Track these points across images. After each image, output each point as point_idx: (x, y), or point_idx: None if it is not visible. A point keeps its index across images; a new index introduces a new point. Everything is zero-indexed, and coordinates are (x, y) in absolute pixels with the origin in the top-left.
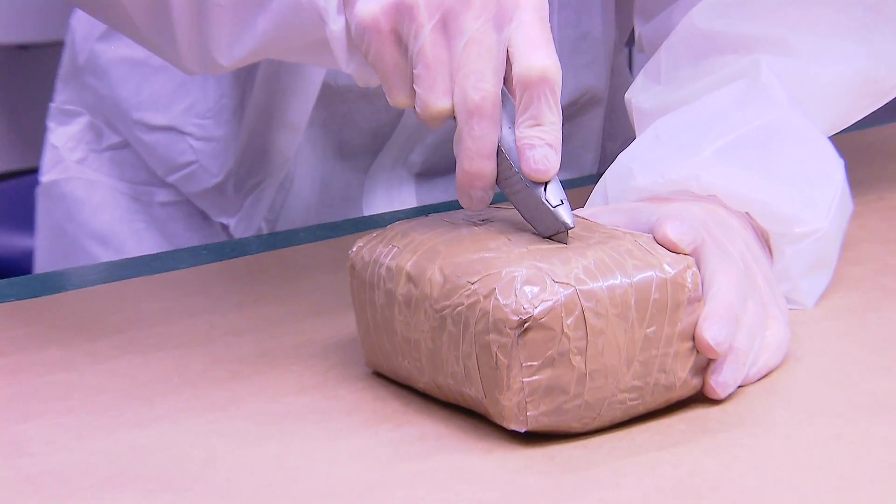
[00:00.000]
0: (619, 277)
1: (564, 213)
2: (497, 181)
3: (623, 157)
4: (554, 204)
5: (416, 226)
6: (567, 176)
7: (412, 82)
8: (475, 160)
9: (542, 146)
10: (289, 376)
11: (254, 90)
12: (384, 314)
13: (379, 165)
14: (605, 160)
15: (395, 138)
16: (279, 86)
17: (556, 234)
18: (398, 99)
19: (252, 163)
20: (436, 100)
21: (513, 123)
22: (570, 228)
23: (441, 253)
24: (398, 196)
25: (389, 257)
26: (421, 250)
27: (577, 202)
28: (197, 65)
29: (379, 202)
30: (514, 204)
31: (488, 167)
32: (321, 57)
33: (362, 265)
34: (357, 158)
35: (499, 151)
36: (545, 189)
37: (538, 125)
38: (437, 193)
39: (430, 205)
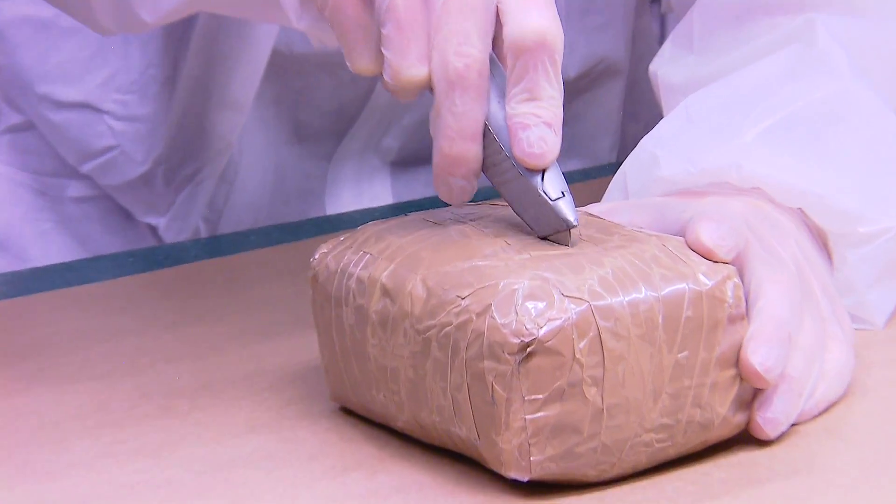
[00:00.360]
0: (644, 290)
1: (566, 209)
2: (483, 168)
3: (647, 142)
4: (553, 197)
5: (392, 227)
6: (578, 165)
7: (379, 44)
8: (456, 141)
9: (538, 126)
10: (236, 413)
11: (187, 58)
12: (354, 336)
13: (345, 152)
14: (625, 145)
15: (364, 118)
16: (219, 53)
17: (555, 233)
18: (360, 64)
19: (186, 148)
20: (409, 66)
21: (503, 97)
22: (573, 227)
23: (424, 261)
24: (370, 190)
25: (360, 266)
26: (399, 257)
27: (590, 197)
28: (114, 22)
29: (346, 197)
30: (503, 196)
31: (472, 150)
32: (267, 11)
33: (327, 276)
34: (318, 143)
35: (485, 132)
36: (542, 178)
37: (534, 100)
38: (417, 187)
39: (410, 201)
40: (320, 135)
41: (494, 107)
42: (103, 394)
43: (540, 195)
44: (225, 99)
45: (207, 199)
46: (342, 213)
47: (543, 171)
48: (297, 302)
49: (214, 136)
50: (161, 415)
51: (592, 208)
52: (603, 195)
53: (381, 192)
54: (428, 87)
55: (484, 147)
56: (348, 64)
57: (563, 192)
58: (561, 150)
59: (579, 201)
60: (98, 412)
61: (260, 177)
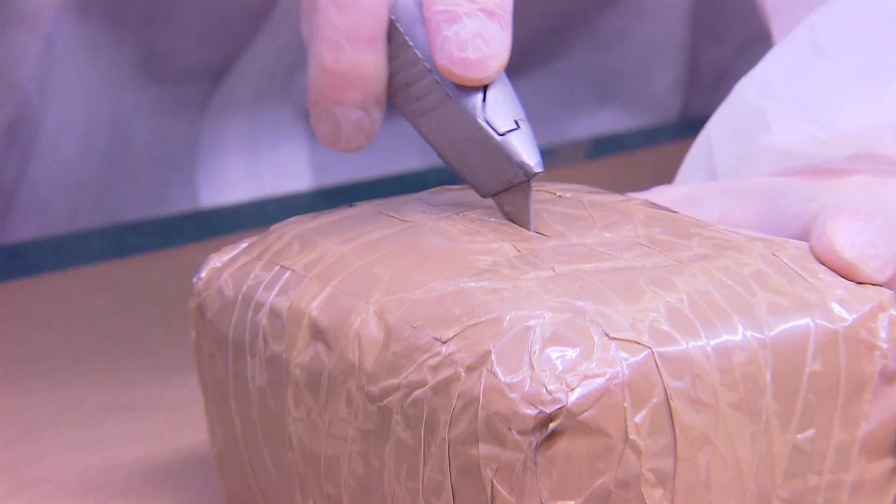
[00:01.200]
0: (741, 330)
1: (521, 147)
2: (390, 91)
3: (746, 88)
4: (501, 130)
5: (328, 226)
6: (623, 122)
7: None
8: (345, 49)
9: (473, 15)
10: None
11: None
12: (265, 406)
13: (230, 97)
14: (699, 85)
15: (260, 43)
16: None
17: (507, 188)
18: None
19: None
20: None
21: None
22: (534, 175)
23: (381, 281)
24: (273, 160)
25: (276, 291)
26: (340, 276)
27: (651, 175)
28: None
29: (233, 174)
30: (421, 132)
31: (370, 62)
32: None
33: (220, 307)
34: (183, 84)
35: (390, 31)
36: (483, 100)
37: None
38: (356, 155)
39: (347, 182)
40: (187, 70)
41: None
42: None
43: (480, 127)
44: (10, 9)
45: None
46: (232, 204)
47: (485, 89)
48: (167, 351)
49: None
50: None
51: (658, 194)
52: (676, 176)
53: (292, 165)
54: None
55: (389, 56)
56: None
57: (516, 122)
58: (593, 92)
59: (634, 178)
60: None
61: (79, 139)
